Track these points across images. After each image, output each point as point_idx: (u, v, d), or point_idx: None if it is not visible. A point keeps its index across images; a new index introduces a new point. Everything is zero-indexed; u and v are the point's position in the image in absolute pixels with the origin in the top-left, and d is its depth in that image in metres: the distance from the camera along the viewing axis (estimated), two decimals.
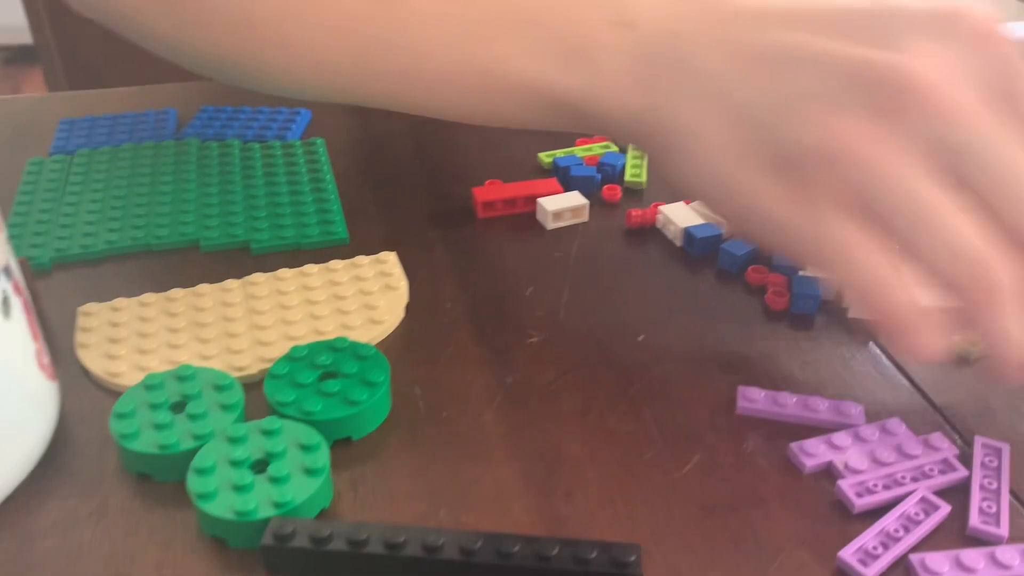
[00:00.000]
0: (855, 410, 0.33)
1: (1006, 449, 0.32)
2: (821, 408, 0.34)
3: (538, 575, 0.27)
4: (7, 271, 0.30)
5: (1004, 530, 0.29)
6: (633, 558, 0.26)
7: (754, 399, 0.34)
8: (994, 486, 0.31)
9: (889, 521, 0.29)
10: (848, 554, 0.28)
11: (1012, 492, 0.31)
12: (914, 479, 0.31)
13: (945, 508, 0.30)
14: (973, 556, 0.28)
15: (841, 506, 0.30)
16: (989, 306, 0.29)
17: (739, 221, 0.33)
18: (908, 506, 0.30)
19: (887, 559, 0.28)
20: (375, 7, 0.36)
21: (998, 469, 0.31)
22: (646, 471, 0.31)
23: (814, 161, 0.29)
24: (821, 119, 0.29)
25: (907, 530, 0.29)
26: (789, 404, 0.34)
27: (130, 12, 0.40)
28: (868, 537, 0.29)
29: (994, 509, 0.30)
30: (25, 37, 0.93)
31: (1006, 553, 0.28)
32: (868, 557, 0.28)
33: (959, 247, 0.28)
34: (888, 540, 0.29)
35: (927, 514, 0.30)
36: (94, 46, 0.89)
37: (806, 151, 0.29)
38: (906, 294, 0.30)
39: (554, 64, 0.34)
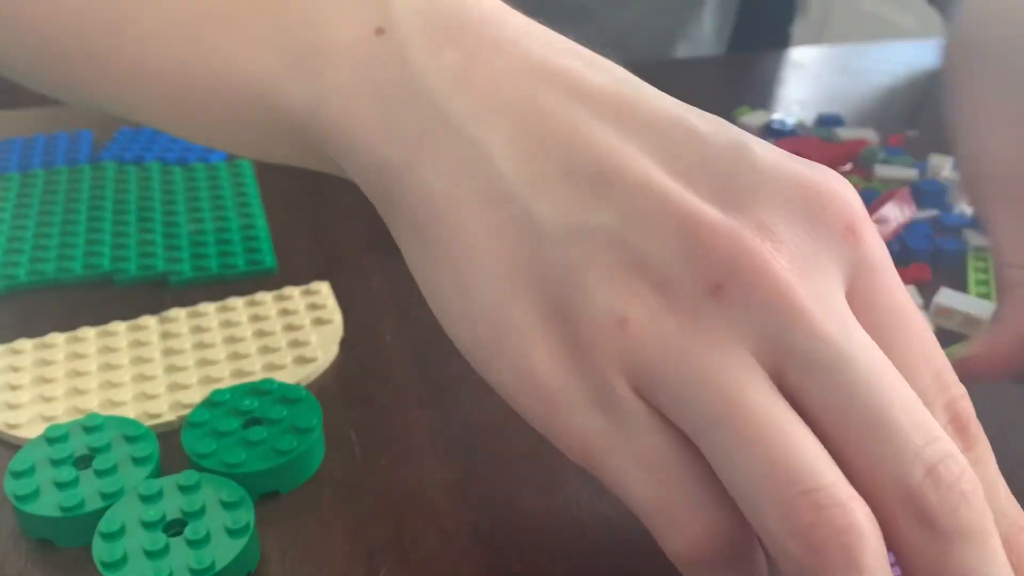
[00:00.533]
0: None
1: None
2: None
3: None
4: None
5: None
6: None
7: None
8: None
9: None
10: None
11: None
12: None
13: None
14: None
15: None
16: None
17: (492, 371, 0.23)
18: None
19: None
20: None
21: None
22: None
23: (595, 327, 0.22)
24: (618, 276, 0.22)
25: None
26: None
27: None
28: None
29: None
30: None
31: None
32: None
33: (791, 470, 0.20)
34: None
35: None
36: None
37: (589, 314, 0.22)
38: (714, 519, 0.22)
39: (281, 65, 0.26)
